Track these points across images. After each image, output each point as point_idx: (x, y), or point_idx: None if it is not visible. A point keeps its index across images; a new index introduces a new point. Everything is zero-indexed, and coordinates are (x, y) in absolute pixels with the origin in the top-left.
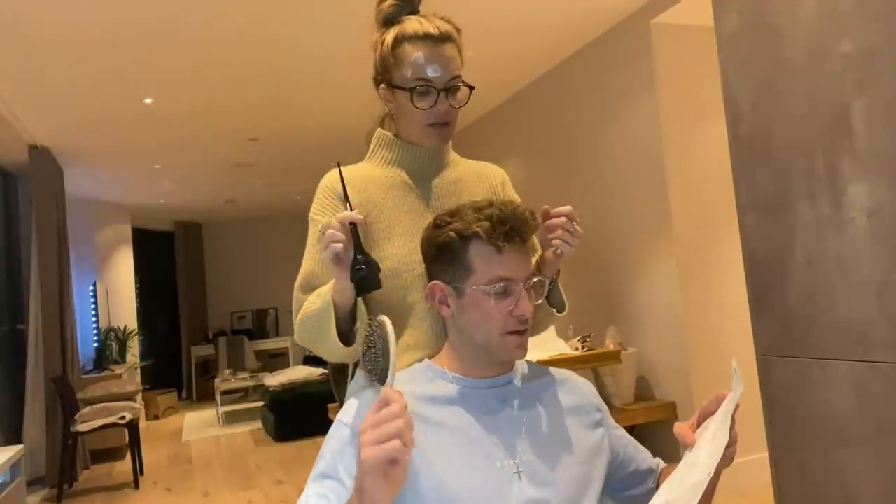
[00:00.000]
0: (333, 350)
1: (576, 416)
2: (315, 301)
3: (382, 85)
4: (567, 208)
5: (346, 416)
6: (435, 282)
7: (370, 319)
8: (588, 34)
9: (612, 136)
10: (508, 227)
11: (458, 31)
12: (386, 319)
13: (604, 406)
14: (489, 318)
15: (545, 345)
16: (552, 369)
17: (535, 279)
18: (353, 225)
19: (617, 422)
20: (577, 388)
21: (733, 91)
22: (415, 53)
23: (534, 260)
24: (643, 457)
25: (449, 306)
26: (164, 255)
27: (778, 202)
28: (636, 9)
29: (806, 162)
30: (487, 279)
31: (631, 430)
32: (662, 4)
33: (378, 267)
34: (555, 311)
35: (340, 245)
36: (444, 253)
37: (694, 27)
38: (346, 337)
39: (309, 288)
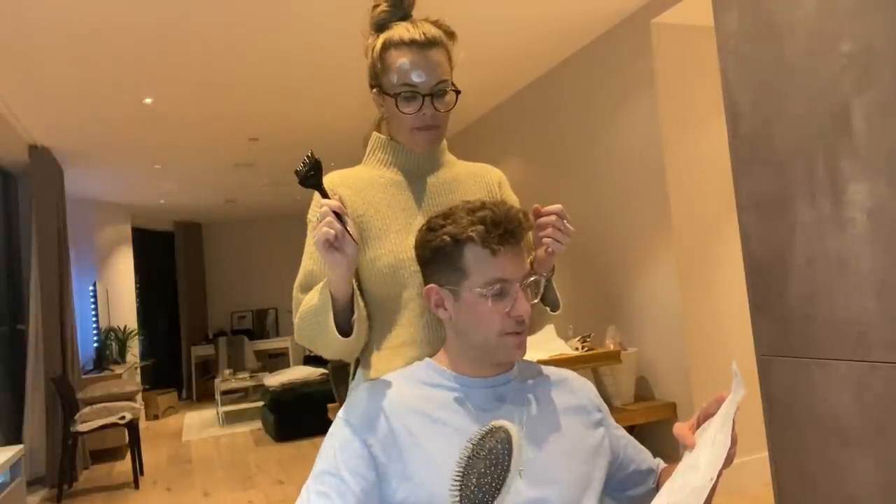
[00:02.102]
0: (331, 344)
1: (576, 416)
2: (312, 297)
3: (374, 90)
4: (557, 207)
5: (348, 413)
6: (431, 285)
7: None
8: (588, 34)
9: (611, 136)
10: (502, 230)
11: (451, 34)
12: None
13: (604, 406)
14: (487, 319)
15: (545, 345)
16: (552, 369)
17: (532, 279)
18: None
19: (617, 422)
20: (577, 388)
21: (733, 91)
22: (400, 59)
23: (528, 259)
24: (643, 457)
25: (446, 309)
26: (164, 255)
27: (778, 202)
28: (636, 9)
29: (806, 161)
30: (483, 281)
31: (631, 430)
32: (662, 4)
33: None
34: (548, 309)
35: (332, 231)
36: (438, 256)
37: (694, 27)
38: (344, 331)
39: (308, 287)
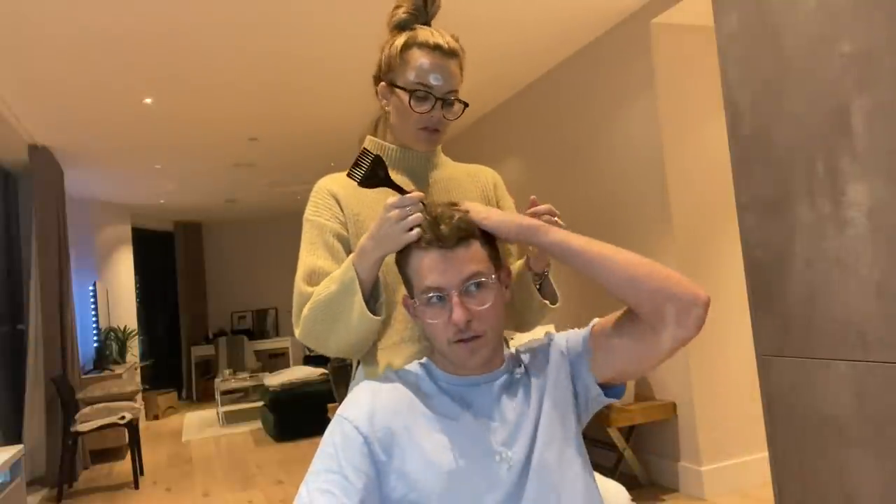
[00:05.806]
0: (353, 328)
1: (554, 392)
2: (329, 285)
3: (383, 83)
4: (547, 206)
5: (347, 410)
6: (405, 294)
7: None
8: (588, 34)
9: (612, 136)
10: (430, 236)
11: (463, 51)
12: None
13: (557, 338)
14: (433, 328)
15: None
16: (527, 345)
17: (471, 282)
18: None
19: (617, 422)
20: (543, 352)
21: (733, 91)
22: (421, 59)
23: (518, 261)
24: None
25: (417, 315)
26: (164, 255)
27: (778, 202)
28: (636, 9)
29: (806, 162)
30: (420, 290)
31: (631, 430)
32: (662, 4)
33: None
34: (547, 302)
35: (420, 217)
36: (398, 265)
37: (694, 27)
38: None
39: (315, 282)
